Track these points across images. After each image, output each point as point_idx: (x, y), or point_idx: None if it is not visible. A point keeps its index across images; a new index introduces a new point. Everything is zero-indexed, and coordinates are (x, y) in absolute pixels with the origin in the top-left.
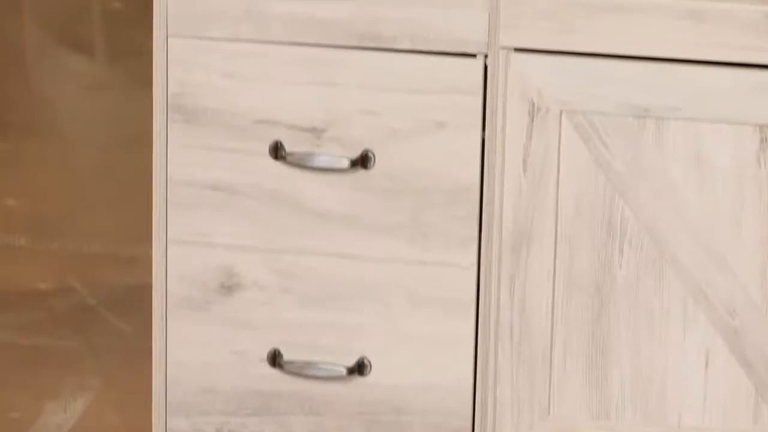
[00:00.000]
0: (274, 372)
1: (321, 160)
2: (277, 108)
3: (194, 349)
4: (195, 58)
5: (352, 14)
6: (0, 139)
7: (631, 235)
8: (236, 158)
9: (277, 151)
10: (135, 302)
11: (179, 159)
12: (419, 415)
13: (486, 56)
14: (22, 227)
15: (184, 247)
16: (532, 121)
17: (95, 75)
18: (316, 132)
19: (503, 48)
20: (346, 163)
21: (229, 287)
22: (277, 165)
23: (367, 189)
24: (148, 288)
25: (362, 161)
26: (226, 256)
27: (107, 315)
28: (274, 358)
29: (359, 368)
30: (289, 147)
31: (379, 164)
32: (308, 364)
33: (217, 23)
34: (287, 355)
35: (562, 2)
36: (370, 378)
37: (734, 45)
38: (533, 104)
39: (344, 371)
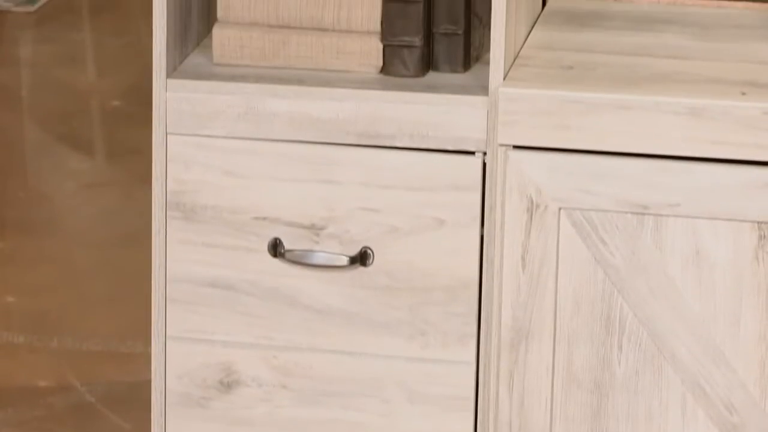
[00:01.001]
0: None
1: (320, 258)
2: (276, 205)
3: None
4: (194, 155)
5: (351, 112)
6: None
7: (630, 331)
8: (235, 255)
9: (276, 248)
10: (134, 399)
11: (178, 256)
12: None
13: (485, 154)
14: (21, 324)
15: (182, 344)
16: (531, 218)
17: (94, 173)
18: (315, 229)
19: (502, 145)
20: (345, 261)
21: (228, 384)
22: (276, 262)
23: (366, 286)
24: (147, 385)
25: (361, 258)
26: (224, 353)
27: (106, 412)
28: None
29: None
30: (288, 244)
31: (378, 261)
32: None
33: (216, 121)
34: None
35: (560, 100)
36: None
37: (733, 142)
38: (532, 201)
39: None
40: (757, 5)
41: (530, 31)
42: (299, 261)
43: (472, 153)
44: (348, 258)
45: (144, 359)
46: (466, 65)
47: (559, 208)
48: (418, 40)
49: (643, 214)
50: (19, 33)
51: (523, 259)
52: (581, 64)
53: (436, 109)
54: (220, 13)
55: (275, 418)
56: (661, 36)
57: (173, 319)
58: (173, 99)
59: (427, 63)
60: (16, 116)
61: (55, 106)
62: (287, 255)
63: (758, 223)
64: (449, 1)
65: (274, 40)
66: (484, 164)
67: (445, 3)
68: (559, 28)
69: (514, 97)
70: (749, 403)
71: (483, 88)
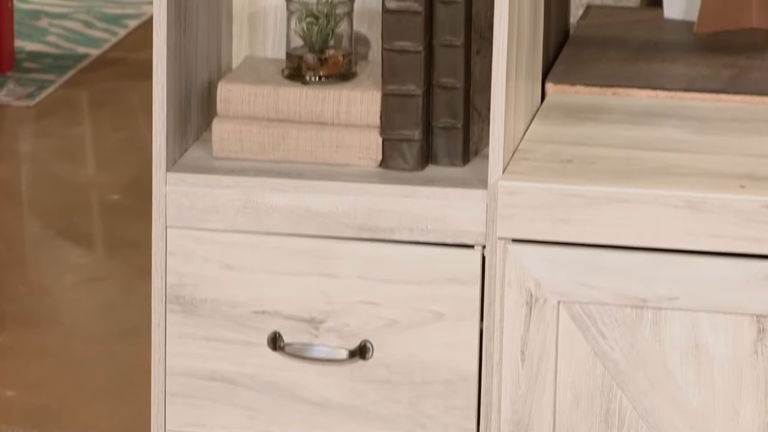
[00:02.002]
0: None
1: (319, 351)
2: (275, 299)
3: None
4: (194, 249)
5: (351, 206)
6: None
7: (629, 424)
8: (235, 349)
9: (275, 341)
10: None
11: (178, 349)
12: None
13: (484, 247)
14: (21, 418)
15: None
16: (530, 311)
17: (94, 266)
18: (314, 323)
19: (501, 239)
20: (344, 354)
21: None
22: (276, 356)
23: (366, 379)
24: None
25: (360, 352)
26: None
27: None
28: None
29: None
30: (287, 337)
31: (377, 354)
32: None
33: (215, 215)
34: None
35: (559, 193)
36: None
37: (732, 235)
38: (531, 294)
39: None
40: (756, 99)
41: (529, 125)
42: (299, 354)
43: (472, 246)
44: (347, 351)
45: None
46: (466, 159)
47: (558, 302)
48: (417, 134)
49: (642, 307)
50: (18, 127)
51: (522, 352)
52: (580, 157)
53: (435, 203)
54: (219, 107)
55: None
56: (660, 129)
57: (173, 413)
58: (173, 192)
59: (427, 156)
60: (16, 210)
61: (55, 200)
62: (287, 348)
63: (757, 316)
64: (448, 94)
65: (273, 134)
66: (484, 257)
67: (445, 97)
68: (558, 122)
69: (513, 191)
70: None
71: (482, 182)
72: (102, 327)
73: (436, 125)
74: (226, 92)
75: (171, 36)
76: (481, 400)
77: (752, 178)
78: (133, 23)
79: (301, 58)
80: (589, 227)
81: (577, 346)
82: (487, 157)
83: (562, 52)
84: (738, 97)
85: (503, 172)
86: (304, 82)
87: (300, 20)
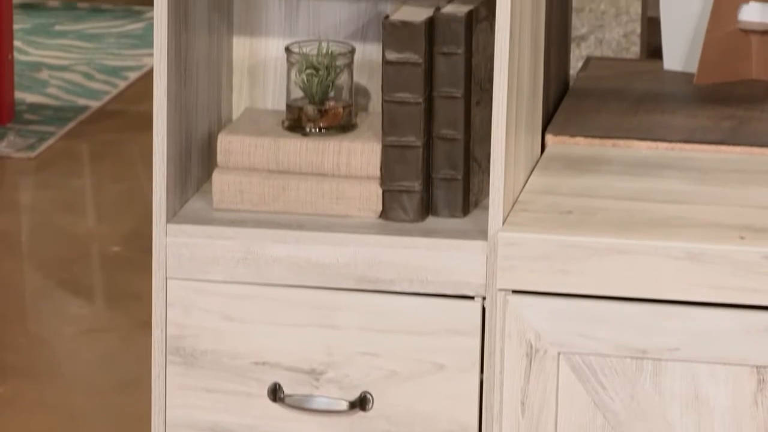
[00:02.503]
0: None
1: (319, 402)
2: (275, 350)
3: None
4: (194, 300)
5: (351, 257)
6: None
7: None
8: (235, 400)
9: (275, 393)
10: None
11: (178, 401)
12: None
13: (484, 298)
14: None
15: None
16: (530, 362)
17: (94, 318)
18: (314, 374)
19: (501, 290)
20: (344, 406)
21: None
22: (276, 407)
23: (366, 430)
24: None
25: (361, 403)
26: None
27: None
28: None
29: None
30: (287, 389)
31: (377, 405)
32: None
33: (216, 266)
34: None
35: (559, 244)
36: None
37: (732, 287)
38: (531, 346)
39: None
40: (755, 150)
41: (529, 176)
42: (299, 406)
43: (472, 298)
44: (348, 403)
45: None
46: (466, 210)
47: (559, 353)
48: (417, 186)
49: (642, 358)
50: (19, 179)
51: (522, 404)
52: (580, 208)
53: (435, 254)
54: (219, 158)
55: None
56: (660, 181)
57: None
58: (173, 244)
59: (427, 208)
60: (17, 262)
61: (55, 251)
62: (287, 400)
63: (757, 367)
64: (448, 146)
65: (273, 186)
66: (484, 309)
67: (445, 148)
68: (558, 173)
69: (513, 242)
70: None
71: (482, 233)
72: (102, 378)
73: (437, 176)
74: (227, 143)
75: (171, 87)
76: None
77: (752, 230)
78: (133, 75)
79: (301, 109)
80: (589, 278)
81: (577, 397)
82: (487, 208)
83: (562, 103)
84: (738, 149)
85: (503, 223)
86: (305, 134)
87: (300, 72)
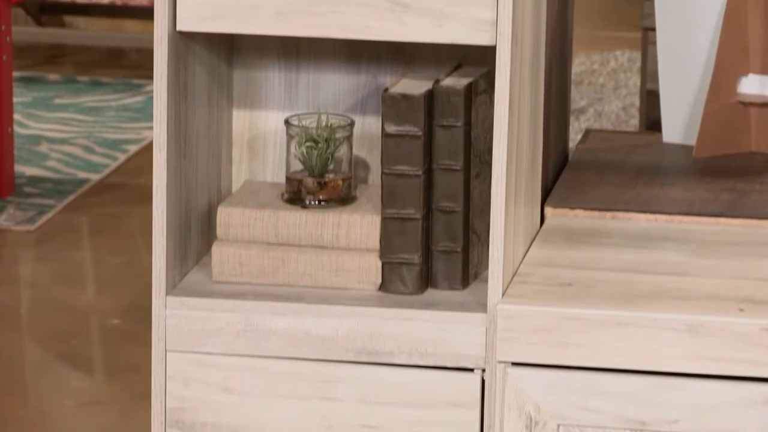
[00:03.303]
0: None
1: None
2: (275, 422)
3: None
4: (193, 372)
5: (350, 329)
6: None
7: None
8: None
9: None
10: None
11: None
12: None
13: (483, 371)
14: None
15: None
16: None
17: (94, 391)
18: None
19: (501, 362)
20: None
21: None
22: None
23: None
24: None
25: None
26: None
27: None
28: None
29: None
30: None
31: None
32: None
33: (215, 338)
34: None
35: (559, 316)
36: None
37: (731, 359)
38: (530, 418)
39: None
40: (754, 222)
41: (529, 248)
42: None
43: (471, 370)
44: None
45: None
46: (465, 282)
47: (558, 425)
48: (416, 258)
49: (642, 430)
50: (19, 252)
51: None
52: (580, 280)
53: (434, 327)
54: (219, 230)
55: None
56: (659, 253)
57: None
58: (173, 316)
59: (426, 280)
60: (16, 335)
61: (55, 324)
62: None
63: None
64: (448, 218)
65: (273, 258)
66: (483, 381)
67: (444, 220)
68: (557, 245)
69: (512, 314)
70: None
71: (482, 305)
72: None
73: (436, 249)
74: (226, 216)
75: (171, 160)
76: None
77: (751, 302)
78: (133, 148)
79: (300, 182)
80: (589, 350)
81: None
82: (486, 280)
83: (562, 175)
84: (737, 221)
85: (503, 295)
86: (304, 206)
87: (300, 144)
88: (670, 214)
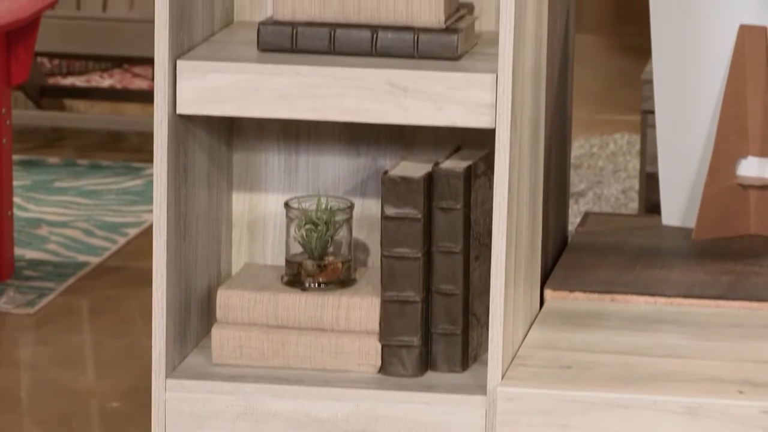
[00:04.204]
0: None
1: None
2: None
3: None
4: None
5: (350, 412)
6: None
7: None
8: None
9: None
10: None
11: None
12: None
13: None
14: None
15: None
16: None
17: None
18: None
19: None
20: None
21: None
22: None
23: None
24: None
25: None
26: None
27: None
28: None
29: None
30: None
31: None
32: None
33: (215, 421)
34: None
35: (558, 399)
36: None
37: None
38: None
39: None
40: (754, 305)
41: (528, 330)
42: None
43: None
44: None
45: None
46: (465, 364)
47: None
48: (416, 340)
49: None
50: (18, 335)
51: None
52: (579, 363)
53: (434, 409)
54: (219, 313)
55: None
56: (658, 335)
57: None
58: (172, 399)
59: (426, 362)
60: (16, 417)
61: (54, 407)
62: None
63: None
64: (447, 301)
65: (273, 341)
66: None
67: (443, 303)
68: (557, 328)
69: (512, 397)
70: None
71: (481, 388)
72: None
73: (435, 331)
74: (226, 299)
75: (171, 243)
76: None
77: (751, 384)
78: (132, 231)
79: (300, 264)
80: None
81: None
82: (486, 362)
83: (561, 258)
84: (736, 303)
85: (502, 378)
86: (304, 289)
87: (299, 227)
88: (669, 296)
